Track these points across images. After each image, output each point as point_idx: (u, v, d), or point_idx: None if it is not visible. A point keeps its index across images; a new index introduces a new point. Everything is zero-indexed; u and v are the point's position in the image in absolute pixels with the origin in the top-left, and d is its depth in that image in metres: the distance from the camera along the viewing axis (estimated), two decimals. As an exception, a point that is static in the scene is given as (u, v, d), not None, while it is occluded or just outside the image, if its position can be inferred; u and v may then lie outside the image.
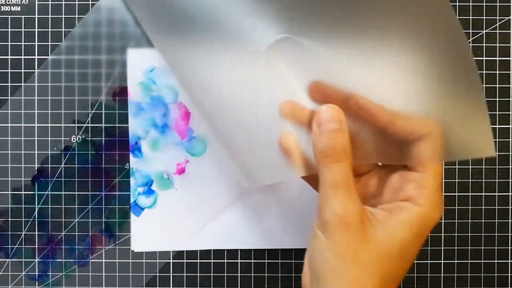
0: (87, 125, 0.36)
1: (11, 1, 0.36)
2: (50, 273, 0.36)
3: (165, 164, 0.36)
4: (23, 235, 0.36)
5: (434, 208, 0.25)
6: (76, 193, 0.36)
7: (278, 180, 0.29)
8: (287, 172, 0.28)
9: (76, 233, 0.36)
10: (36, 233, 0.36)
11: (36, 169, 0.36)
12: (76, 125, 0.36)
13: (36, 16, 0.36)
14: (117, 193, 0.36)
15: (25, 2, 0.36)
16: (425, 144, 0.25)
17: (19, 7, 0.36)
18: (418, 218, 0.24)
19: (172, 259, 0.36)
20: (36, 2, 0.36)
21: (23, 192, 0.36)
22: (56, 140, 0.36)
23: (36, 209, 0.36)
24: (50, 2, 0.36)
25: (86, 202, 0.36)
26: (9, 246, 0.36)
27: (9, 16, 0.36)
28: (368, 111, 0.26)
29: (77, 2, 0.36)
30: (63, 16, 0.36)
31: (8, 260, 0.36)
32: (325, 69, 0.27)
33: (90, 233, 0.36)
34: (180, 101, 0.35)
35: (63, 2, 0.36)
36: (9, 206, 0.36)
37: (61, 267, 0.36)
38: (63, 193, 0.36)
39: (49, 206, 0.36)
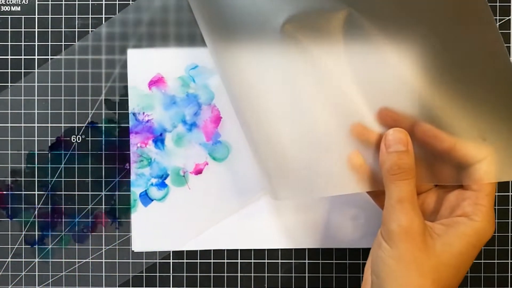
0: (87, 125, 0.36)
1: (11, 1, 0.36)
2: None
3: (185, 161, 0.36)
4: (23, 235, 0.36)
5: (489, 223, 0.27)
6: (76, 193, 0.36)
7: (343, 193, 0.31)
8: (354, 187, 0.31)
9: (76, 233, 0.36)
10: (36, 233, 0.36)
11: (36, 168, 0.36)
12: (76, 125, 0.36)
13: (36, 16, 0.36)
14: (117, 193, 0.36)
15: (25, 2, 0.36)
16: (481, 167, 0.28)
17: (19, 7, 0.36)
18: (474, 232, 0.27)
19: (172, 259, 0.36)
20: (36, 2, 0.36)
21: (23, 192, 0.36)
22: (56, 140, 0.36)
23: (36, 209, 0.36)
24: (50, 2, 0.36)
25: (86, 202, 0.36)
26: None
27: (9, 16, 0.36)
28: (433, 136, 0.29)
29: (77, 2, 0.36)
30: (63, 16, 0.36)
31: (8, 260, 0.36)
32: (400, 97, 0.30)
33: (90, 234, 0.36)
34: (215, 104, 0.36)
35: (63, 2, 0.36)
36: (9, 206, 0.36)
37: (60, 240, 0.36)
38: (63, 193, 0.36)
39: (49, 206, 0.36)
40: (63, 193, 0.36)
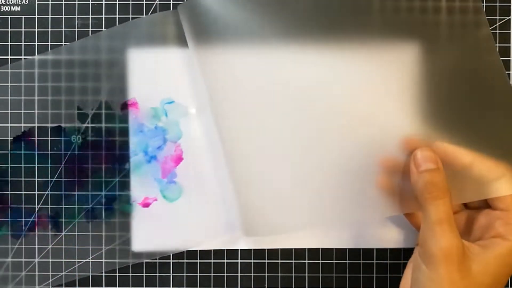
0: (87, 125, 0.36)
1: (11, 1, 0.36)
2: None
3: (136, 190, 0.35)
4: (23, 234, 0.36)
5: None
6: (76, 193, 0.36)
7: (380, 217, 0.34)
8: (389, 211, 0.32)
9: (76, 233, 0.36)
10: (36, 233, 0.36)
11: (36, 168, 0.36)
12: (76, 125, 0.36)
13: (36, 16, 0.36)
14: (117, 193, 0.36)
15: (25, 2, 0.36)
16: (502, 184, 0.29)
17: (19, 7, 0.36)
18: (509, 252, 0.28)
19: (172, 259, 0.36)
20: (36, 2, 0.36)
21: (23, 192, 0.36)
22: (56, 140, 0.36)
23: (36, 209, 0.36)
24: (50, 2, 0.36)
25: (86, 202, 0.36)
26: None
27: (9, 16, 0.36)
28: (452, 154, 0.30)
29: (77, 2, 0.36)
30: (63, 16, 0.36)
31: (8, 260, 0.36)
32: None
33: (90, 233, 0.36)
34: (180, 143, 0.35)
35: (63, 2, 0.36)
36: (9, 206, 0.36)
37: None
38: (63, 193, 0.36)
39: (49, 206, 0.36)
40: (62, 193, 0.36)
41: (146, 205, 0.35)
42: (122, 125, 0.35)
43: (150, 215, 0.35)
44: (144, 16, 0.36)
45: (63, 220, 0.36)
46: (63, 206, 0.36)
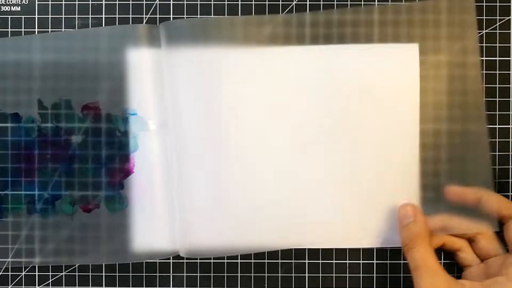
0: (87, 125, 0.36)
1: (11, 1, 0.36)
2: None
3: (81, 194, 0.35)
4: (22, 234, 0.36)
5: None
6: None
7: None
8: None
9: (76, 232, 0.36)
10: (36, 233, 0.36)
11: (36, 166, 0.36)
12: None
13: (36, 16, 0.36)
14: (62, 192, 0.36)
15: (25, 2, 0.36)
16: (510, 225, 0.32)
17: (19, 7, 0.36)
18: None
19: (172, 259, 0.36)
20: (36, 2, 0.36)
21: (23, 192, 0.36)
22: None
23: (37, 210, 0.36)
24: (50, 2, 0.36)
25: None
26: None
27: (9, 16, 0.36)
28: (460, 193, 0.33)
29: (77, 2, 0.36)
30: (63, 16, 0.36)
31: (8, 260, 0.36)
32: None
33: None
34: (134, 156, 0.35)
35: (63, 2, 0.36)
36: (9, 206, 0.36)
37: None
38: (63, 192, 0.36)
39: (49, 206, 0.36)
40: (62, 193, 0.36)
41: (87, 210, 0.35)
42: (79, 125, 0.35)
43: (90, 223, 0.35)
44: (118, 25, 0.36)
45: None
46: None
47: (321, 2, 0.36)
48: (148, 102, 0.35)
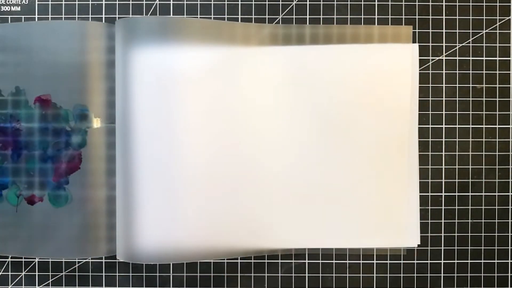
0: (37, 116, 0.36)
1: (11, 1, 0.36)
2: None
3: (26, 185, 0.35)
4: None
5: None
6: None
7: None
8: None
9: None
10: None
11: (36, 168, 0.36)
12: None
13: (36, 16, 0.36)
14: (10, 178, 0.36)
15: (25, 2, 0.36)
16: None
17: (19, 7, 0.36)
18: None
19: (172, 259, 0.36)
20: (36, 2, 0.36)
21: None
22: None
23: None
24: (50, 2, 0.36)
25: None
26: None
27: (9, 16, 0.36)
28: None
29: (77, 2, 0.36)
30: (63, 16, 0.36)
31: (8, 260, 0.36)
32: None
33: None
34: (81, 152, 0.34)
35: (63, 2, 0.36)
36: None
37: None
38: (10, 179, 0.36)
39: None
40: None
41: (31, 202, 0.35)
42: (29, 114, 0.34)
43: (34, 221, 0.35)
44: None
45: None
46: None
47: (321, 2, 0.36)
48: (99, 99, 0.34)
